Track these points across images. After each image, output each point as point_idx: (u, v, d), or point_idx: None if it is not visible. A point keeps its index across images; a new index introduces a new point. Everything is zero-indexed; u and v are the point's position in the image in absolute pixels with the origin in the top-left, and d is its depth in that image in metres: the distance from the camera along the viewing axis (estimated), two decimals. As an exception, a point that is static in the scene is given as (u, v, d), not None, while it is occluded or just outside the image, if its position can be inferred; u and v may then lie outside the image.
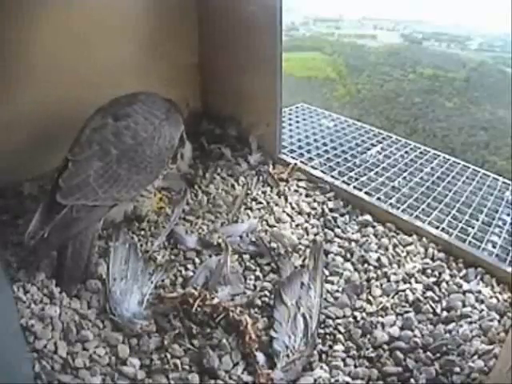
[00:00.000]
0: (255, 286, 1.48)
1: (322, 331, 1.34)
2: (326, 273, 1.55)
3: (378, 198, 2.05)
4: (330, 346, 1.31)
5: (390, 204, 2.01)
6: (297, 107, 3.21)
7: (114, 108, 1.62)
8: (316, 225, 1.77)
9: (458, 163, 2.52)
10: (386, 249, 1.66)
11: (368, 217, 1.80)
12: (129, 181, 1.52)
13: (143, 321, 1.31)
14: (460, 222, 1.98)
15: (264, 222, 1.77)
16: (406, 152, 2.59)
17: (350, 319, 1.38)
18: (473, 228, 1.94)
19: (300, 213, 1.84)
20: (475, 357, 1.25)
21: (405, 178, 2.31)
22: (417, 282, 1.51)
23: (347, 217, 1.81)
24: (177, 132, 1.70)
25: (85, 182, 1.45)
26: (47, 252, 1.43)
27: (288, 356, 1.24)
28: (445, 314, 1.40)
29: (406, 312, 1.40)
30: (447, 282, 1.50)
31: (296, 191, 1.97)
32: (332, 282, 1.51)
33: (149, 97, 1.71)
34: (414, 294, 1.45)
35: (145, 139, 1.56)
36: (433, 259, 1.61)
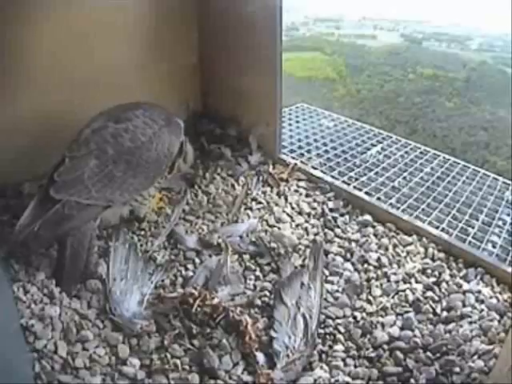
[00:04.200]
0: (255, 286, 1.48)
1: (322, 331, 1.34)
2: (326, 273, 1.55)
3: (378, 198, 2.05)
4: (330, 346, 1.31)
5: (390, 204, 2.01)
6: (297, 107, 3.21)
7: (116, 112, 1.63)
8: (316, 225, 1.77)
9: (458, 163, 2.52)
10: (386, 249, 1.66)
11: (368, 217, 1.80)
12: (123, 183, 1.51)
13: (143, 321, 1.31)
14: (460, 222, 1.98)
15: (264, 222, 1.77)
16: (406, 152, 2.59)
17: (350, 319, 1.38)
18: (473, 228, 1.94)
19: (300, 213, 1.84)
20: (475, 357, 1.25)
21: (405, 178, 2.31)
22: (417, 282, 1.51)
23: (347, 217, 1.81)
24: (177, 140, 1.70)
25: (79, 178, 1.45)
26: (37, 246, 1.43)
27: (288, 356, 1.24)
28: (445, 313, 1.40)
29: (406, 312, 1.40)
30: (447, 282, 1.50)
31: (296, 191, 1.97)
32: (332, 282, 1.51)
33: (151, 106, 1.72)
34: (414, 294, 1.45)
35: (143, 143, 1.56)
36: (433, 259, 1.61)
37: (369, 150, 2.58)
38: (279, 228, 1.74)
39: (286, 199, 1.91)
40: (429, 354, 1.25)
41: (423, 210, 2.03)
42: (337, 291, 1.48)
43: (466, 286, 1.48)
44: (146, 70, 2.06)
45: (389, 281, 1.52)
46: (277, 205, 1.87)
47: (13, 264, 1.45)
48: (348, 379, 1.21)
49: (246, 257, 1.59)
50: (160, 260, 1.55)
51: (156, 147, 1.59)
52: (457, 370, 1.21)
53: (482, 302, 1.44)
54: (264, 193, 1.96)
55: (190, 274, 1.51)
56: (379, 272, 1.56)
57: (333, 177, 2.15)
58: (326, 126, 2.91)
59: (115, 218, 1.60)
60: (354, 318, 1.39)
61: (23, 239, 1.37)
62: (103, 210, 1.50)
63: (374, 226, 1.77)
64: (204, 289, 1.40)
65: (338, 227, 1.76)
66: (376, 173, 2.32)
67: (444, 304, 1.43)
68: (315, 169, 2.18)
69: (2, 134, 1.70)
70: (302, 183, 2.02)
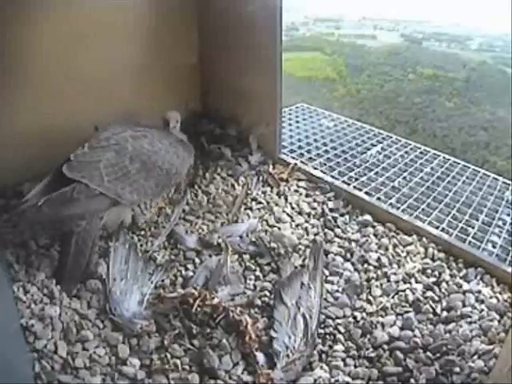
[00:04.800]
0: (255, 286, 1.48)
1: (322, 331, 1.34)
2: (326, 273, 1.55)
3: (378, 198, 2.04)
4: (330, 346, 1.31)
5: (390, 204, 2.01)
6: (297, 107, 3.21)
7: (132, 125, 1.68)
8: (316, 225, 1.77)
9: (458, 163, 2.52)
10: (386, 249, 1.66)
11: (368, 217, 1.80)
12: (135, 182, 1.52)
13: (143, 321, 1.31)
14: (460, 222, 1.98)
15: (264, 222, 1.77)
16: (406, 152, 2.59)
17: (350, 319, 1.38)
18: (473, 228, 1.94)
19: (300, 213, 1.84)
20: (475, 357, 1.25)
21: (405, 178, 2.30)
22: (417, 282, 1.51)
23: (347, 217, 1.81)
24: (188, 159, 1.75)
25: (94, 164, 1.46)
26: (34, 218, 1.39)
27: (288, 356, 1.24)
28: (445, 313, 1.40)
29: (406, 312, 1.40)
30: (447, 282, 1.50)
31: (296, 191, 1.97)
32: (332, 282, 1.51)
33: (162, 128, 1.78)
34: (414, 294, 1.45)
35: (160, 149, 1.62)
36: (433, 259, 1.61)
37: (369, 149, 2.57)
38: (279, 228, 1.74)
39: (286, 199, 1.91)
40: (429, 353, 1.25)
41: (423, 210, 2.03)
42: (337, 291, 1.48)
43: (466, 286, 1.48)
44: (146, 70, 2.06)
45: (389, 281, 1.52)
46: (277, 205, 1.87)
47: (13, 264, 1.45)
48: (348, 379, 1.21)
49: (246, 257, 1.59)
50: (160, 260, 1.55)
51: (170, 158, 1.63)
52: (457, 369, 1.21)
53: (482, 302, 1.44)
54: (264, 193, 1.96)
55: (190, 273, 1.50)
56: (379, 272, 1.56)
57: (333, 177, 2.15)
58: (326, 125, 2.90)
59: (117, 222, 1.59)
60: (354, 317, 1.39)
61: (24, 211, 1.35)
62: (109, 207, 1.49)
63: (374, 226, 1.77)
64: (204, 289, 1.40)
65: (338, 227, 1.76)
66: (376, 173, 2.32)
67: (444, 304, 1.43)
68: (315, 169, 2.18)
69: (2, 133, 1.71)
70: (302, 183, 2.02)
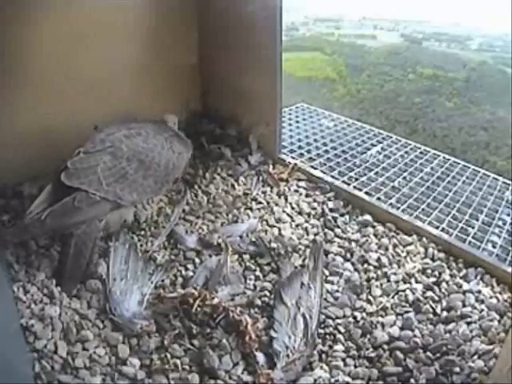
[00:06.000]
0: (255, 286, 1.48)
1: (322, 331, 1.34)
2: (326, 273, 1.55)
3: (378, 198, 2.04)
4: (330, 346, 1.31)
5: (390, 204, 2.01)
6: (297, 107, 3.21)
7: (127, 123, 1.68)
8: (316, 225, 1.77)
9: (458, 163, 2.52)
10: (386, 249, 1.66)
11: (368, 217, 1.80)
12: (134, 182, 1.53)
13: (143, 321, 1.31)
14: (460, 222, 1.98)
15: (264, 222, 1.77)
16: (406, 152, 2.59)
17: (350, 319, 1.38)
18: (473, 228, 1.94)
19: (300, 213, 1.84)
20: (475, 357, 1.25)
21: (405, 178, 2.31)
22: (417, 282, 1.51)
23: (347, 217, 1.81)
24: (186, 153, 1.75)
25: (92, 169, 1.47)
26: (38, 231, 1.40)
27: (288, 356, 1.24)
28: (445, 313, 1.40)
29: (406, 312, 1.40)
30: (447, 282, 1.50)
31: (296, 191, 1.97)
32: (332, 282, 1.51)
33: (157, 121, 1.79)
34: (414, 294, 1.45)
35: (155, 145, 1.62)
36: (433, 259, 1.61)
37: (369, 149, 2.58)
38: (279, 228, 1.74)
39: (286, 199, 1.91)
40: (429, 353, 1.25)
41: (423, 209, 2.03)
42: (337, 291, 1.48)
43: (466, 286, 1.48)
44: (146, 70, 2.06)
45: (389, 281, 1.52)
46: (277, 205, 1.87)
47: (13, 264, 1.45)
48: (348, 379, 1.21)
49: (246, 257, 1.59)
50: (160, 260, 1.55)
51: (167, 152, 1.64)
52: (457, 369, 1.21)
53: (482, 301, 1.44)
54: (264, 193, 1.96)
55: (190, 274, 1.50)
56: (379, 272, 1.56)
57: (333, 177, 2.15)
58: (326, 126, 2.91)
59: (119, 222, 1.59)
60: (354, 317, 1.39)
61: (28, 225, 1.36)
62: (111, 210, 1.50)
63: (374, 226, 1.77)
64: (204, 289, 1.40)
65: (338, 227, 1.76)
66: (376, 173, 2.32)
67: (444, 304, 1.43)
68: (315, 169, 2.18)
69: (2, 133, 1.71)
70: (302, 183, 2.02)
